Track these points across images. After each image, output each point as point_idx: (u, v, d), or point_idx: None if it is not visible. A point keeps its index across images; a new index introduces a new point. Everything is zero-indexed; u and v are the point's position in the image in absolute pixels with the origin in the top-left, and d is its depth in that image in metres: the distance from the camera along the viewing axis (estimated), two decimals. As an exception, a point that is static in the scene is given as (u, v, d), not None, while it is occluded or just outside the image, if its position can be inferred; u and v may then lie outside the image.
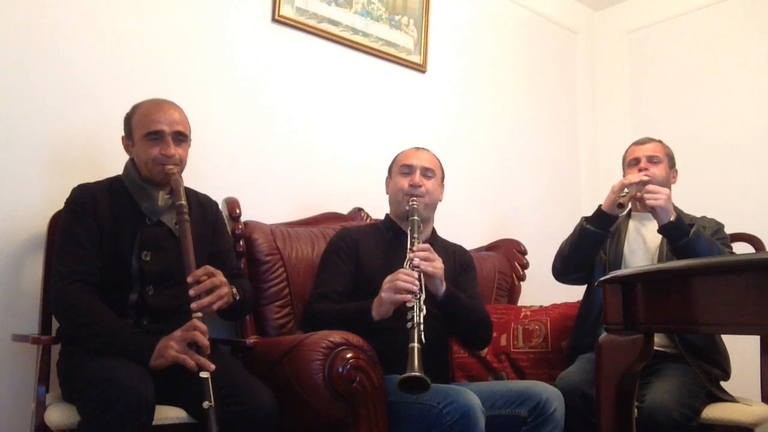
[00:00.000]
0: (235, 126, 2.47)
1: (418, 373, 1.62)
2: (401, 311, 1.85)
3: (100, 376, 1.47)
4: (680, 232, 2.04)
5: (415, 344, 1.69)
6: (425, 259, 1.90)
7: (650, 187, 2.12)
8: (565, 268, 2.33)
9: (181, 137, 1.85)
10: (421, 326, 1.74)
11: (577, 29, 3.90)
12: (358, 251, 2.11)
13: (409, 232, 2.01)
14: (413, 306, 1.78)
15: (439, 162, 2.23)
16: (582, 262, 2.29)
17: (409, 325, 1.75)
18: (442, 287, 1.95)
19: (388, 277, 1.85)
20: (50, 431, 1.63)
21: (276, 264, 2.21)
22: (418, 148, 2.23)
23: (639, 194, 2.14)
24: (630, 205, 2.28)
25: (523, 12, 3.61)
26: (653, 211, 2.10)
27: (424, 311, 1.78)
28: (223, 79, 2.45)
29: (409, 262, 1.89)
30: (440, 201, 2.22)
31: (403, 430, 1.77)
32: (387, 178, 2.27)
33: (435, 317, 1.89)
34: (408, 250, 1.94)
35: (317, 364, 1.70)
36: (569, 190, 3.75)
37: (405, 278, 1.82)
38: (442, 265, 1.94)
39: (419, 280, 1.84)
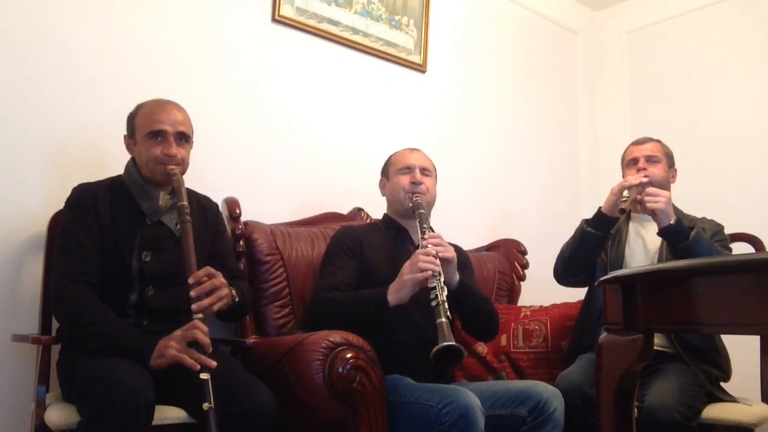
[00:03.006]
0: (235, 126, 2.47)
1: (451, 342, 1.66)
2: (407, 311, 1.86)
3: (100, 376, 1.47)
4: (680, 235, 2.04)
5: (443, 319, 1.72)
6: (438, 245, 1.91)
7: (650, 189, 2.12)
8: (567, 270, 2.33)
9: (184, 138, 1.85)
10: (446, 304, 1.76)
11: (577, 29, 3.90)
12: (362, 247, 2.11)
13: (418, 223, 2.02)
14: (435, 285, 1.80)
15: (432, 162, 2.24)
16: (583, 264, 2.28)
17: (433, 303, 1.77)
18: (456, 276, 1.96)
19: (408, 261, 1.86)
20: (50, 431, 1.63)
21: (276, 264, 2.21)
22: (412, 149, 2.24)
23: (639, 197, 2.13)
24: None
25: (523, 12, 3.61)
26: (653, 213, 2.10)
27: (446, 290, 1.80)
28: (223, 79, 2.45)
29: (423, 249, 1.90)
30: (435, 200, 2.22)
31: (402, 430, 1.77)
32: (382, 180, 2.27)
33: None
34: (420, 239, 1.95)
35: (317, 364, 1.70)
36: (569, 190, 3.75)
37: (425, 258, 1.84)
38: (455, 253, 1.95)
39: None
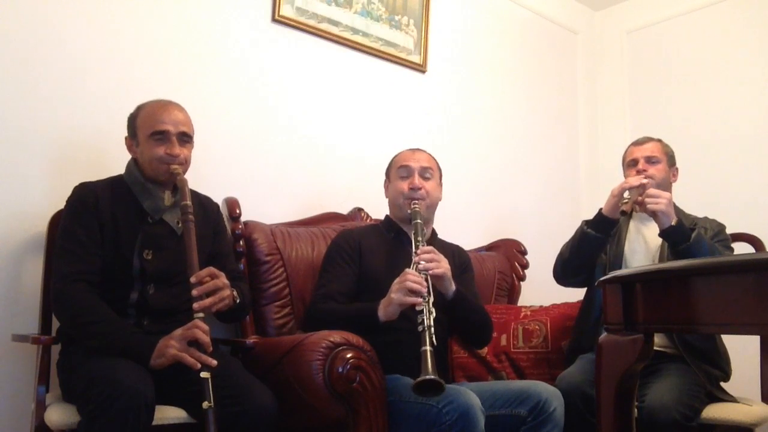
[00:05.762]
0: (235, 126, 2.47)
1: (432, 376, 1.63)
2: (406, 312, 1.86)
3: (100, 376, 1.48)
4: (681, 237, 2.04)
5: (428, 347, 1.69)
6: (431, 261, 1.90)
7: (651, 191, 2.12)
8: (566, 271, 2.32)
9: (186, 138, 1.85)
10: (432, 329, 1.74)
11: (577, 29, 3.90)
12: (360, 252, 2.11)
13: (413, 235, 2.00)
14: (423, 309, 1.78)
15: (436, 161, 2.23)
16: (582, 266, 2.28)
17: (420, 328, 1.75)
18: (452, 287, 1.96)
19: (397, 279, 1.85)
20: (50, 431, 1.63)
21: (276, 264, 2.21)
22: (414, 149, 2.23)
23: (640, 198, 2.13)
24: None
25: (524, 12, 3.61)
26: (654, 215, 2.10)
27: (434, 314, 1.78)
28: (223, 79, 2.45)
29: (415, 266, 1.89)
30: (440, 200, 2.22)
31: (403, 430, 1.77)
32: (385, 181, 2.27)
33: (436, 319, 1.89)
34: (413, 254, 1.93)
35: (317, 364, 1.70)
36: (569, 190, 3.75)
37: (413, 279, 1.82)
38: (449, 266, 1.95)
39: (427, 282, 1.85)
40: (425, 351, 1.68)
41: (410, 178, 2.13)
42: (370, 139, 2.84)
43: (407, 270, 1.86)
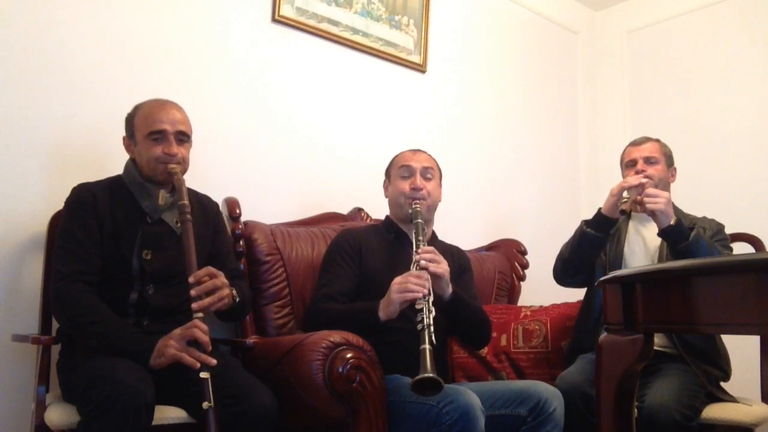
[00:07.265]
0: (235, 126, 2.47)
1: (431, 374, 1.63)
2: (406, 313, 1.86)
3: (100, 376, 1.48)
4: (680, 236, 2.04)
5: (427, 345, 1.69)
6: (431, 261, 1.90)
7: (650, 190, 2.12)
8: (566, 270, 2.33)
9: (184, 137, 1.85)
10: (432, 327, 1.74)
11: (577, 29, 3.90)
12: (361, 252, 2.11)
13: (413, 234, 2.00)
14: (422, 308, 1.78)
15: (437, 162, 2.23)
16: (582, 265, 2.28)
17: (419, 326, 1.74)
18: (449, 289, 1.96)
19: (398, 278, 1.85)
20: (50, 431, 1.63)
21: (276, 264, 2.21)
22: (415, 150, 2.23)
23: (639, 197, 2.14)
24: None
25: (524, 12, 3.61)
26: (653, 214, 2.10)
27: (434, 313, 1.78)
28: (223, 79, 2.45)
29: (415, 265, 1.89)
30: (440, 201, 2.22)
31: (403, 430, 1.77)
32: (385, 181, 2.27)
33: (435, 318, 1.89)
34: (414, 253, 1.94)
35: (317, 364, 1.70)
36: (569, 190, 3.75)
37: (415, 280, 1.82)
38: (448, 267, 1.95)
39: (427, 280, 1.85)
40: (424, 349, 1.68)
41: (412, 178, 2.13)
42: (370, 139, 2.84)
43: (410, 272, 1.86)
